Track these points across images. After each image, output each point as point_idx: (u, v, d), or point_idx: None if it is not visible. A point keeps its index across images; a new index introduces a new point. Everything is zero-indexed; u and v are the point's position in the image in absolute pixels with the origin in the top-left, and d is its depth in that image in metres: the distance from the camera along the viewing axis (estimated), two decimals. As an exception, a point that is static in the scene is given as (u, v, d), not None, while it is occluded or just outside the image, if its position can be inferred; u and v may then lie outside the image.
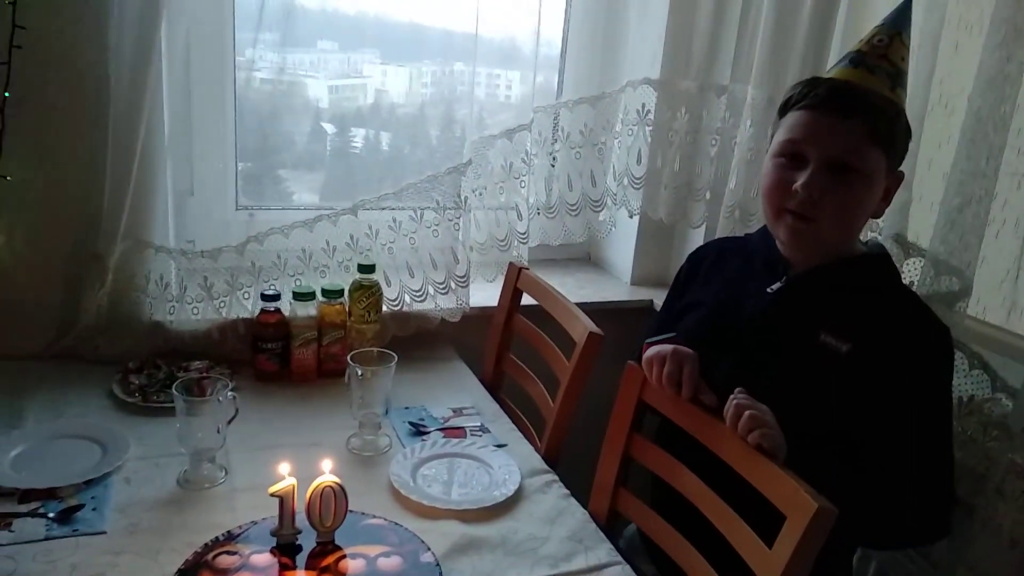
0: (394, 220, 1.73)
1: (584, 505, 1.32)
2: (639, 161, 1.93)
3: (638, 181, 1.94)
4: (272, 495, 1.07)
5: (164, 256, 1.59)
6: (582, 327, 1.49)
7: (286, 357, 1.61)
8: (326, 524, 1.08)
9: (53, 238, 1.55)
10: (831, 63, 1.67)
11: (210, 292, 1.63)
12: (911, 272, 1.47)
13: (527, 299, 1.74)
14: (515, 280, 1.75)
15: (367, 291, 1.66)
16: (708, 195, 1.94)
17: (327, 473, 1.09)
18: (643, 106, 1.90)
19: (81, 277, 1.56)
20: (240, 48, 1.72)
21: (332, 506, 1.08)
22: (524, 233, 1.87)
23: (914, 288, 1.43)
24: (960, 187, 1.36)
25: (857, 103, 1.19)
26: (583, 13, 1.97)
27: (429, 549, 1.12)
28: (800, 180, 1.20)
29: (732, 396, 1.13)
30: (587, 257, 2.25)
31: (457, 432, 1.49)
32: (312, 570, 1.06)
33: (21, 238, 1.52)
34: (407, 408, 1.55)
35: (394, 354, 1.41)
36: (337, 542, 1.09)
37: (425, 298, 1.78)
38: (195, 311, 1.63)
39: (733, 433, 1.11)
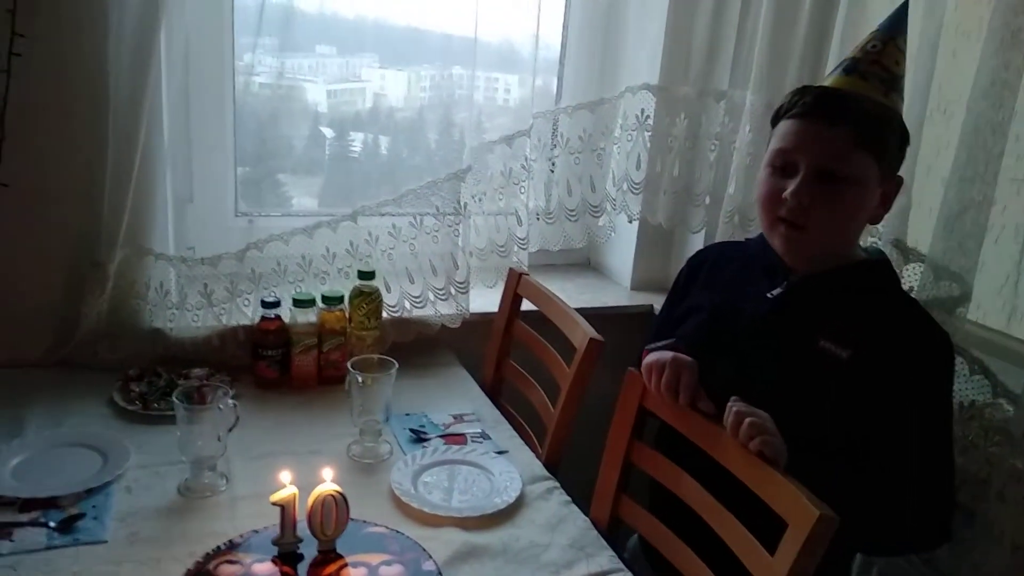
0: (394, 226, 1.73)
1: (585, 512, 1.32)
2: (638, 166, 1.93)
3: (637, 186, 1.94)
4: (273, 504, 1.06)
5: (164, 263, 1.59)
6: (582, 333, 1.49)
7: (286, 364, 1.61)
8: (327, 533, 1.08)
9: (53, 245, 1.55)
10: (830, 69, 1.68)
11: (210, 299, 1.63)
12: (910, 277, 1.47)
13: (527, 304, 1.74)
14: (515, 286, 1.75)
15: (367, 297, 1.66)
16: (707, 200, 1.95)
17: (328, 481, 1.08)
18: (642, 111, 1.90)
19: (81, 284, 1.56)
20: (239, 53, 1.72)
21: (333, 514, 1.07)
22: (524, 239, 1.87)
23: (913, 293, 1.44)
24: (959, 193, 1.36)
25: (844, 109, 1.20)
26: (582, 18, 1.97)
27: (431, 557, 1.12)
28: (789, 188, 1.21)
29: (730, 403, 1.13)
30: (587, 262, 2.25)
31: (458, 439, 1.49)
32: (314, 579, 1.06)
33: (21, 245, 1.52)
34: (407, 415, 1.55)
35: (394, 361, 1.41)
36: (338, 551, 1.09)
37: (425, 304, 1.78)
38: (195, 318, 1.63)
39: (734, 440, 1.11)
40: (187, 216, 1.71)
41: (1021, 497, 1.27)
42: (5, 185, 1.46)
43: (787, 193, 1.21)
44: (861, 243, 1.33)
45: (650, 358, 1.24)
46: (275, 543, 1.09)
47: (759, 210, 1.29)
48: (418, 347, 1.78)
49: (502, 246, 1.87)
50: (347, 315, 1.66)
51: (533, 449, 1.51)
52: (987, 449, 1.32)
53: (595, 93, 1.94)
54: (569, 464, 1.48)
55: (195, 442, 1.24)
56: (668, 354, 1.22)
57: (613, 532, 1.33)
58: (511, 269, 1.78)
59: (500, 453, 1.45)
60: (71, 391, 1.50)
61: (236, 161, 1.80)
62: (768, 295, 1.30)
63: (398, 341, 1.76)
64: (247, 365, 1.62)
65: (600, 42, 1.98)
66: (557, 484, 1.38)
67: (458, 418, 1.57)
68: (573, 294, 1.98)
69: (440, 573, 1.10)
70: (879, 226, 1.48)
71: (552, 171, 1.94)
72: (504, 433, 1.54)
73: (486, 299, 1.83)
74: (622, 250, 2.12)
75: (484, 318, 1.81)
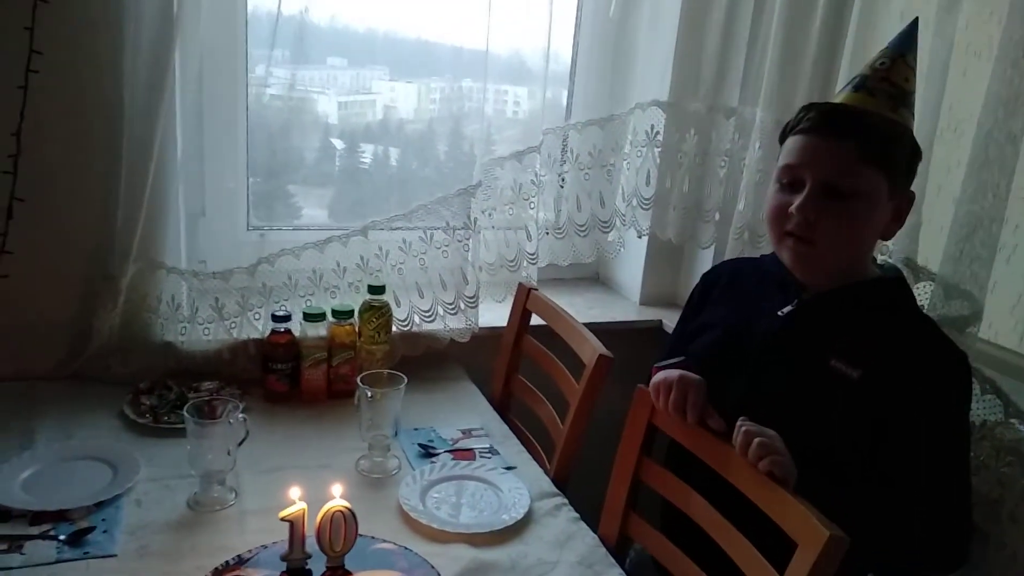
0: (404, 241, 1.74)
1: (594, 528, 1.32)
2: (648, 182, 1.94)
3: (647, 202, 1.95)
4: (282, 520, 1.07)
5: (176, 277, 1.60)
6: (591, 349, 1.49)
7: (296, 378, 1.62)
8: (336, 549, 1.08)
9: (66, 259, 1.56)
10: (840, 86, 1.68)
11: (221, 313, 1.64)
12: (921, 296, 1.46)
13: (536, 319, 1.74)
14: (524, 301, 1.75)
15: (377, 312, 1.66)
16: (717, 216, 1.95)
17: (337, 498, 1.08)
18: (652, 127, 1.90)
19: (94, 298, 1.57)
20: (251, 65, 1.74)
21: (342, 531, 1.07)
22: (533, 254, 1.88)
23: (924, 311, 1.43)
24: (969, 211, 1.36)
25: (850, 124, 1.20)
26: (592, 33, 1.98)
27: (439, 574, 1.11)
28: (796, 203, 1.21)
29: (739, 422, 1.13)
30: (596, 277, 2.25)
31: (466, 454, 1.49)
32: (322, 595, 1.06)
33: (35, 259, 1.53)
34: (416, 429, 1.55)
35: (404, 376, 1.41)
36: (347, 567, 1.09)
37: (435, 318, 1.78)
38: (206, 332, 1.64)
39: (743, 459, 1.11)
40: (199, 230, 1.73)
41: (1033, 518, 1.26)
42: (21, 200, 1.48)
43: (793, 208, 1.21)
44: (878, 259, 1.32)
45: (658, 377, 1.24)
46: (284, 559, 1.08)
47: (767, 225, 1.30)
48: (427, 361, 1.78)
49: (512, 261, 1.87)
50: (357, 329, 1.66)
51: (542, 465, 1.51)
52: (999, 469, 1.31)
53: (605, 108, 1.94)
54: (578, 480, 1.48)
55: (205, 456, 1.25)
56: (676, 373, 1.22)
57: (622, 549, 1.32)
58: (520, 284, 1.79)
59: (508, 469, 1.45)
60: (82, 404, 1.51)
61: (248, 175, 1.81)
62: (779, 313, 1.29)
63: (407, 355, 1.77)
64: (257, 379, 1.63)
65: (610, 57, 1.99)
66: (566, 500, 1.38)
67: (467, 433, 1.57)
68: (582, 309, 1.98)
69: (448, 590, 1.10)
70: (889, 244, 1.48)
71: (562, 186, 1.94)
72: (513, 448, 1.54)
73: (495, 314, 1.84)
74: (631, 265, 2.12)
75: (493, 333, 1.81)
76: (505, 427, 1.62)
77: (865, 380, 1.19)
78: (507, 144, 1.88)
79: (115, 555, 1.13)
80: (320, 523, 1.06)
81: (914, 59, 1.27)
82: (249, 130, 1.77)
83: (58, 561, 1.10)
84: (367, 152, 2.02)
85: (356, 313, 1.66)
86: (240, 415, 1.28)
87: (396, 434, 1.43)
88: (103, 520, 1.19)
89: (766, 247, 1.61)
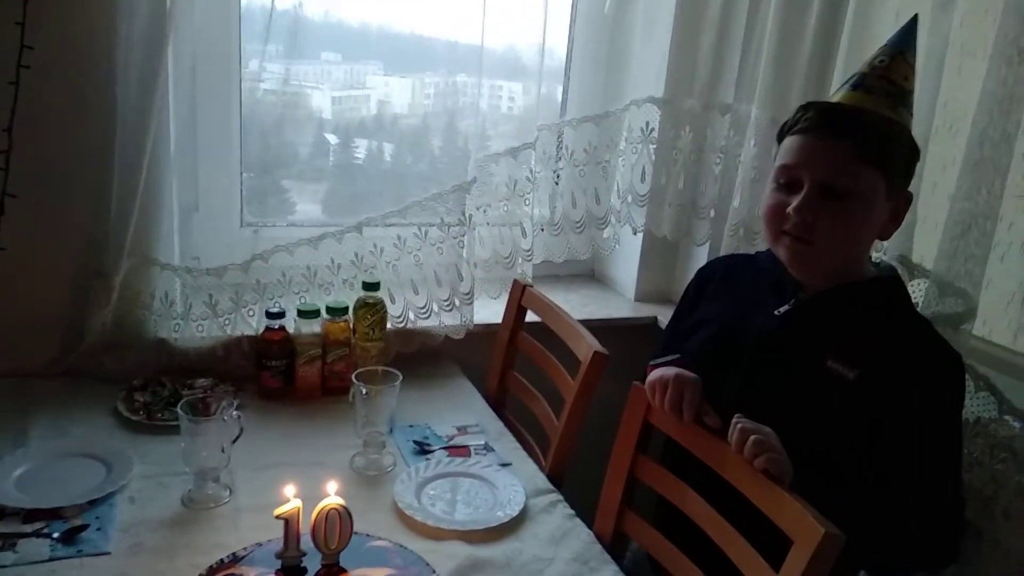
0: (399, 237, 1.74)
1: (589, 525, 1.32)
2: (643, 179, 1.93)
3: (642, 199, 1.94)
4: (277, 517, 1.06)
5: (169, 273, 1.60)
6: (586, 346, 1.49)
7: (290, 374, 1.61)
8: (331, 546, 1.07)
9: (59, 256, 1.55)
10: (835, 84, 1.68)
11: (215, 309, 1.63)
12: (915, 293, 1.46)
13: (531, 316, 1.74)
14: (519, 297, 1.75)
15: (371, 308, 1.66)
16: (712, 213, 1.95)
17: (332, 495, 1.08)
18: (647, 124, 1.90)
19: (87, 295, 1.56)
20: (244, 60, 1.73)
21: (337, 528, 1.07)
22: (528, 250, 1.88)
23: (919, 309, 1.43)
24: (964, 209, 1.36)
25: (848, 124, 1.20)
26: (587, 30, 1.98)
27: (435, 572, 1.11)
28: (793, 204, 1.21)
29: (735, 420, 1.13)
30: (591, 273, 2.25)
31: (461, 451, 1.49)
32: (317, 593, 1.05)
33: (28, 255, 1.52)
34: (411, 426, 1.55)
35: (398, 373, 1.41)
36: (342, 564, 1.09)
37: (429, 315, 1.78)
38: (200, 328, 1.63)
39: (739, 457, 1.11)
40: (193, 226, 1.72)
41: (1027, 515, 1.26)
42: (13, 196, 1.47)
43: (791, 209, 1.21)
44: (873, 257, 1.32)
45: (654, 375, 1.24)
46: (279, 556, 1.08)
47: (764, 224, 1.29)
48: (422, 358, 1.78)
49: (506, 257, 1.87)
50: (351, 326, 1.66)
51: (537, 461, 1.51)
52: (993, 466, 1.31)
53: (600, 105, 1.94)
54: (573, 477, 1.48)
55: (199, 453, 1.24)
56: (672, 371, 1.22)
57: (617, 547, 1.32)
58: (515, 281, 1.79)
59: (504, 466, 1.45)
60: (75, 401, 1.50)
61: (242, 170, 1.80)
62: (776, 312, 1.29)
63: (402, 352, 1.77)
64: (251, 375, 1.62)
65: (606, 54, 1.99)
66: (561, 497, 1.38)
67: (462, 430, 1.57)
68: (577, 306, 1.98)
69: (443, 588, 1.10)
70: (884, 242, 1.48)
71: (557, 183, 1.94)
72: (508, 445, 1.54)
73: (490, 310, 1.83)
74: (626, 262, 2.13)
75: (488, 329, 1.81)
76: (500, 424, 1.62)
77: (861, 381, 1.19)
78: (502, 140, 1.87)
79: (109, 553, 1.12)
80: (315, 521, 1.06)
81: (913, 57, 1.27)
82: (243, 125, 1.76)
83: (51, 559, 1.09)
84: (361, 147, 2.01)
85: (351, 310, 1.65)
86: (234, 412, 1.28)
87: (391, 431, 1.43)
88: (97, 518, 1.18)
89: (761, 244, 1.61)
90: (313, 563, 1.08)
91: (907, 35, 1.27)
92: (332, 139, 1.99)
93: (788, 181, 1.24)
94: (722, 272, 1.46)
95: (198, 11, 1.56)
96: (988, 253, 1.35)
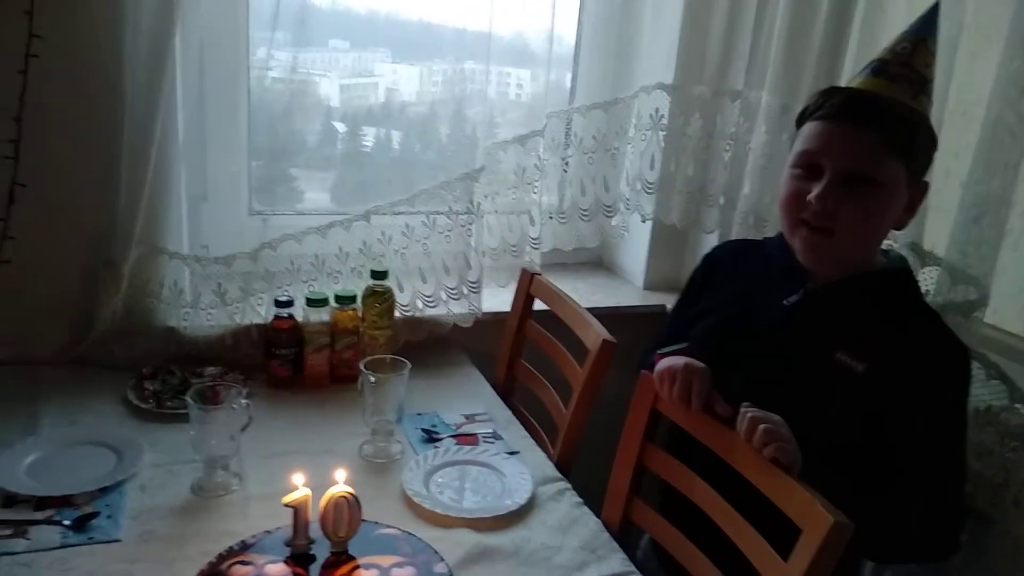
0: (407, 226, 1.73)
1: (597, 513, 1.32)
2: (652, 166, 1.92)
3: (651, 186, 1.93)
4: (286, 505, 1.07)
5: (178, 262, 1.60)
6: (595, 334, 1.49)
7: (299, 363, 1.62)
8: (340, 534, 1.08)
9: (68, 244, 1.55)
10: (847, 70, 1.66)
11: (224, 298, 1.63)
12: (927, 281, 1.45)
13: (539, 304, 1.74)
14: (527, 286, 1.74)
15: (380, 297, 1.66)
16: (722, 200, 1.94)
17: (340, 483, 1.09)
18: (656, 111, 1.89)
19: (96, 283, 1.56)
20: (252, 48, 1.72)
21: (346, 516, 1.08)
22: (536, 238, 1.87)
23: (929, 297, 1.42)
24: (977, 196, 1.35)
25: (872, 112, 1.17)
26: (596, 16, 1.96)
27: (443, 559, 1.12)
28: (815, 192, 1.19)
29: (743, 408, 1.12)
30: (599, 262, 2.24)
31: (470, 439, 1.49)
32: (326, 580, 1.06)
33: (37, 244, 1.52)
34: (419, 414, 1.55)
35: (407, 361, 1.41)
36: (350, 552, 1.09)
37: (437, 304, 1.78)
38: (209, 317, 1.64)
39: (748, 445, 1.10)
40: (201, 215, 1.72)
41: (1038, 504, 1.26)
42: (23, 185, 1.47)
43: (812, 196, 1.19)
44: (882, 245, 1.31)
45: (662, 364, 1.23)
46: (288, 544, 1.09)
47: (781, 212, 1.27)
48: (430, 347, 1.78)
49: (515, 246, 1.86)
50: (360, 314, 1.66)
51: (545, 450, 1.51)
52: (1003, 455, 1.31)
53: (609, 92, 1.93)
54: (581, 465, 1.48)
55: (208, 441, 1.25)
56: (681, 360, 1.21)
57: (625, 534, 1.32)
58: (523, 269, 1.78)
59: (512, 454, 1.45)
60: (85, 389, 1.51)
61: (250, 159, 1.80)
62: (784, 302, 1.28)
63: (410, 340, 1.77)
64: (260, 364, 1.63)
65: (615, 40, 1.97)
66: (569, 485, 1.38)
67: (470, 418, 1.57)
68: (585, 294, 1.97)
69: (452, 575, 1.10)
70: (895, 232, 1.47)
71: (566, 171, 1.93)
72: (516, 433, 1.54)
73: (498, 299, 1.83)
74: (635, 250, 2.12)
75: (496, 318, 1.81)
76: (508, 412, 1.62)
77: (869, 373, 1.18)
78: (510, 127, 1.86)
79: (119, 540, 1.13)
80: (324, 509, 1.07)
81: (935, 44, 1.24)
82: (251, 113, 1.76)
83: (63, 546, 1.10)
84: (369, 135, 2.01)
85: (359, 298, 1.65)
86: (243, 400, 1.29)
87: (399, 419, 1.43)
88: (107, 505, 1.19)
89: (771, 232, 1.60)
90: (322, 551, 1.09)
91: (929, 22, 1.24)
92: (340, 127, 1.98)
93: (808, 168, 1.21)
94: (729, 258, 1.44)
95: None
96: (1001, 239, 1.34)
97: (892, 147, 1.17)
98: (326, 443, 1.42)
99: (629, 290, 2.09)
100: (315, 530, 1.09)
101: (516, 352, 1.75)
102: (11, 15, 1.39)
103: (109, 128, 1.50)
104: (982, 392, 1.35)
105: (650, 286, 2.09)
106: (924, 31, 1.24)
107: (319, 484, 1.09)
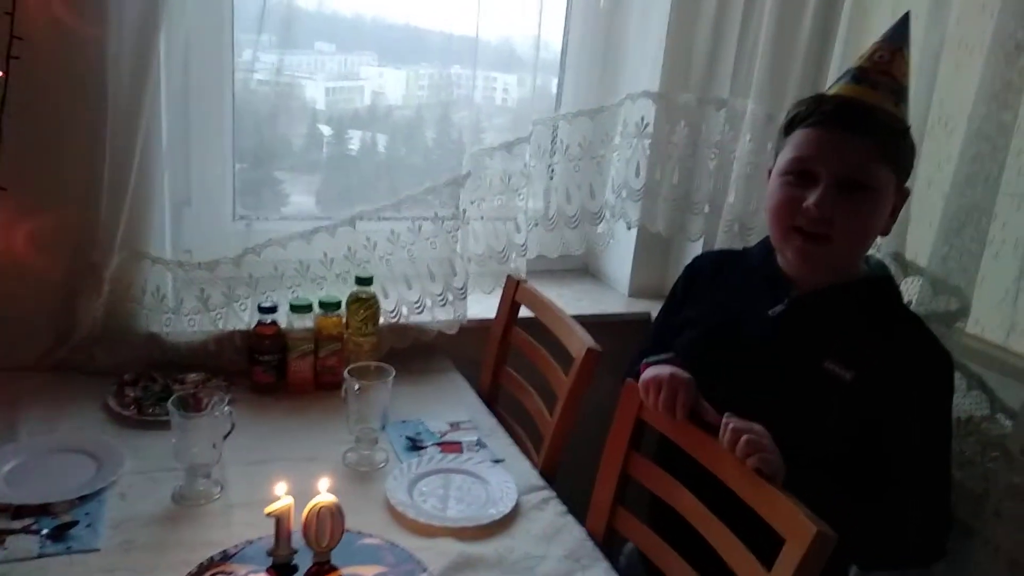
0: (392, 232, 1.73)
1: (582, 522, 1.32)
2: (638, 174, 1.93)
3: (637, 194, 1.94)
4: (268, 515, 1.06)
5: (161, 267, 1.58)
6: (580, 342, 1.49)
7: (282, 370, 1.61)
8: (322, 544, 1.07)
9: (50, 249, 1.53)
10: (832, 80, 1.67)
11: (206, 304, 1.62)
12: (909, 291, 1.47)
13: (525, 311, 1.73)
14: (513, 293, 1.74)
15: (364, 303, 1.65)
16: (707, 208, 1.94)
17: (324, 492, 1.08)
18: (642, 119, 1.89)
19: (77, 288, 1.55)
20: (237, 50, 1.71)
21: (328, 526, 1.07)
22: (522, 245, 1.87)
23: (912, 307, 1.43)
24: (959, 206, 1.36)
25: (865, 119, 1.19)
26: (583, 23, 1.96)
27: (426, 570, 1.11)
28: (811, 198, 1.19)
29: (724, 419, 1.13)
30: (585, 269, 2.24)
31: (454, 447, 1.49)
32: (308, 590, 1.05)
33: (17, 248, 1.50)
34: (404, 422, 1.55)
35: (391, 368, 1.40)
36: (333, 562, 1.08)
37: (423, 310, 1.77)
38: (191, 323, 1.62)
39: (732, 455, 1.11)
40: (184, 219, 1.71)
41: (1018, 513, 1.26)
42: (3, 188, 1.45)
43: (809, 203, 1.19)
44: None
45: (648, 374, 1.23)
46: (270, 554, 1.08)
47: (771, 220, 1.27)
48: (415, 353, 1.78)
49: (500, 252, 1.86)
50: (344, 321, 1.65)
51: (529, 458, 1.51)
52: (984, 465, 1.32)
53: (595, 99, 1.93)
54: (565, 473, 1.48)
55: (190, 449, 1.24)
56: (666, 370, 1.22)
57: (609, 543, 1.32)
58: (509, 276, 1.78)
59: (496, 462, 1.45)
60: (66, 395, 1.49)
61: (235, 164, 1.79)
62: (770, 313, 1.28)
63: (395, 347, 1.76)
64: (243, 370, 1.61)
65: (601, 47, 1.98)
66: (553, 494, 1.38)
67: (455, 426, 1.56)
68: (571, 301, 1.97)
69: (435, 585, 1.09)
70: (878, 239, 1.48)
71: (551, 178, 1.93)
72: (501, 441, 1.53)
73: (484, 305, 1.83)
74: (620, 257, 2.12)
75: (482, 325, 1.80)
76: (493, 420, 1.61)
77: (858, 382, 1.19)
78: (496, 132, 1.86)
79: (98, 549, 1.11)
80: (306, 518, 1.06)
81: (908, 53, 1.26)
82: (236, 116, 1.75)
83: (40, 556, 1.09)
84: (355, 139, 2.00)
85: (343, 304, 1.65)
86: (226, 407, 1.27)
87: (384, 427, 1.42)
88: (87, 514, 1.18)
89: (756, 240, 1.60)
90: (305, 560, 1.08)
91: (903, 30, 1.27)
92: (326, 130, 1.97)
93: (800, 175, 1.22)
94: (709, 269, 1.45)
95: (190, 1, 1.54)
96: (983, 250, 1.35)
97: (883, 153, 1.18)
98: (309, 451, 1.41)
99: (614, 297, 2.10)
100: (298, 540, 1.08)
101: (501, 359, 1.75)
102: (-8, 17, 1.37)
103: (92, 131, 1.48)
104: (964, 402, 1.36)
105: (635, 293, 2.09)
106: (899, 40, 1.26)
107: (302, 492, 1.07)
